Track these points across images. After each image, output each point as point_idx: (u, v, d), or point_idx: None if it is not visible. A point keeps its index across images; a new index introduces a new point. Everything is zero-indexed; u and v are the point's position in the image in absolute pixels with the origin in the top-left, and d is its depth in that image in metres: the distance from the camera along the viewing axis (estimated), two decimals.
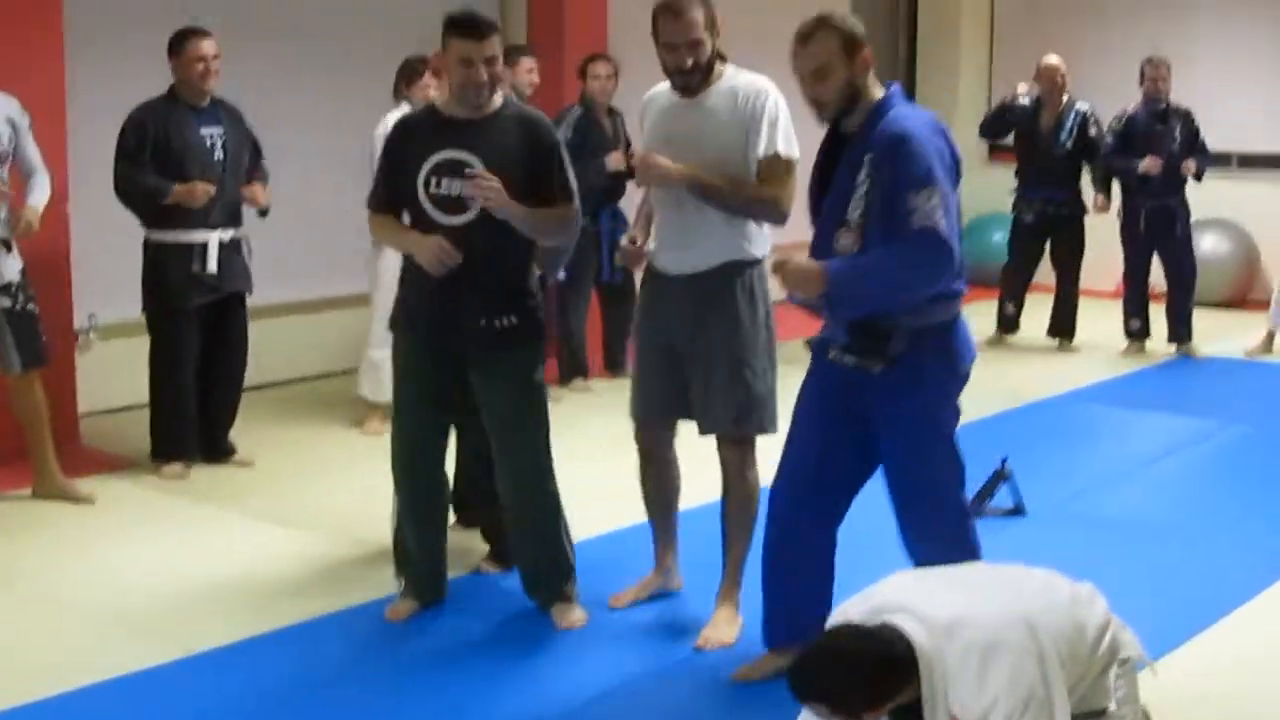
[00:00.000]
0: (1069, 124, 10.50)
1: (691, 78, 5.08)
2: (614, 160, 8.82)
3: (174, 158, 7.03)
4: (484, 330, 5.21)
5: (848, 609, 3.72)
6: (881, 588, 3.76)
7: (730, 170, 5.06)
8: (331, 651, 5.28)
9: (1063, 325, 10.91)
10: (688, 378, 5.25)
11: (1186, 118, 10.32)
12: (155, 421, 7.35)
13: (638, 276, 5.59)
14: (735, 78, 5.15)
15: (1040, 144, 10.59)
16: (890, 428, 4.56)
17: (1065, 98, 10.57)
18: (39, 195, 6.80)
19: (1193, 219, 10.48)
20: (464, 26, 5.09)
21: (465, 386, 5.36)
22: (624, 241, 5.32)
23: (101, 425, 7.94)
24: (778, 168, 5.05)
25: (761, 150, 5.04)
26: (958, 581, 3.82)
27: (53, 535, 6.44)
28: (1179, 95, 10.37)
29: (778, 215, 5.12)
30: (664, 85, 5.26)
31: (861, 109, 4.49)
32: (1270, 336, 10.62)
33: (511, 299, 5.25)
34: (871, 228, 4.40)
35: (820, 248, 4.55)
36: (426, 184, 5.16)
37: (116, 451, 7.59)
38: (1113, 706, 3.77)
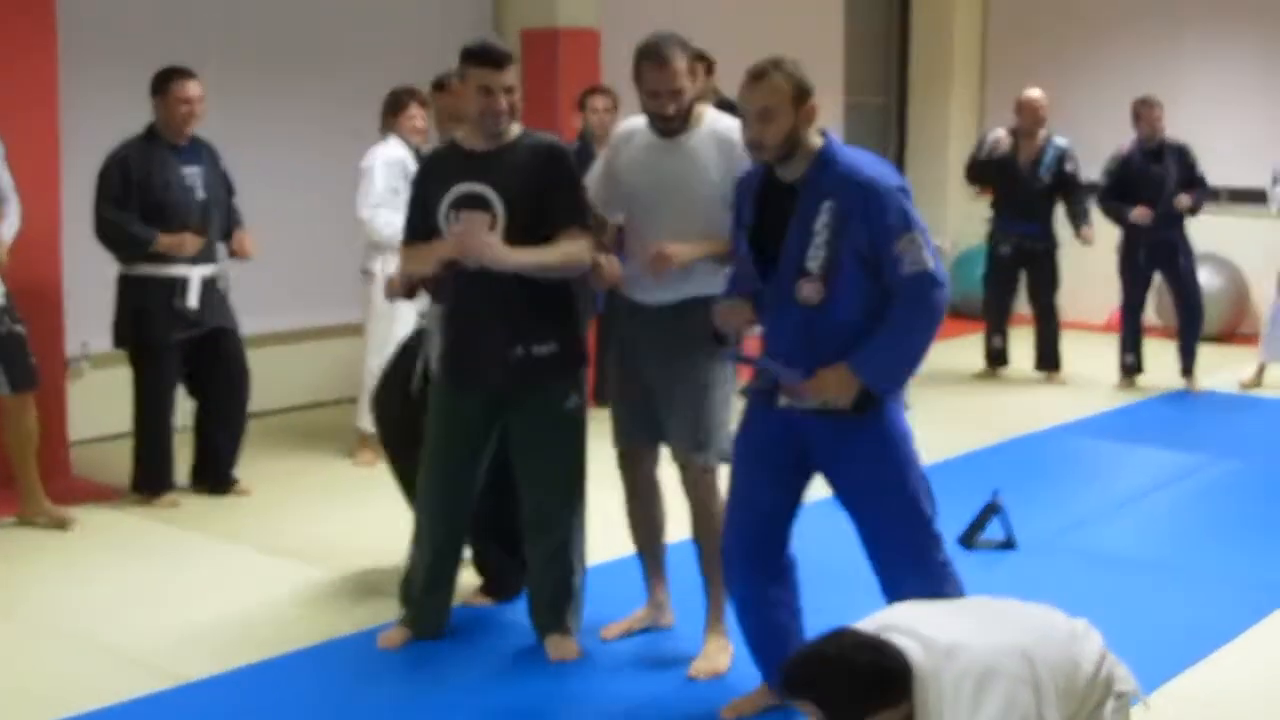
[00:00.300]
0: (1048, 159, 10.50)
1: (672, 123, 5.11)
2: None
3: (154, 197, 7.02)
4: (522, 360, 5.21)
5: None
6: (887, 613, 3.81)
7: (715, 210, 5.06)
8: (324, 681, 5.27)
9: (1047, 358, 10.92)
10: (656, 405, 5.29)
11: (1182, 154, 10.31)
12: (138, 456, 7.34)
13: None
14: (716, 121, 5.20)
15: (1019, 177, 10.57)
16: (864, 465, 4.55)
17: (1044, 132, 10.58)
18: (8, 227, 6.80)
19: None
20: (482, 55, 5.13)
21: (496, 425, 5.38)
22: (601, 259, 5.30)
23: (93, 454, 7.92)
24: None
25: None
26: (960, 611, 3.87)
27: (42, 563, 6.44)
28: (1169, 132, 10.38)
29: None
30: (639, 120, 5.28)
31: (801, 156, 4.49)
32: (1261, 370, 10.64)
33: (550, 325, 5.26)
34: (838, 278, 4.41)
35: (777, 298, 4.54)
36: (448, 218, 5.17)
37: (107, 480, 7.56)
38: None
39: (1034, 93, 10.62)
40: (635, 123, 5.32)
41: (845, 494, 4.62)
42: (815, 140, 4.52)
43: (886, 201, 4.40)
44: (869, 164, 4.51)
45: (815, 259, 4.41)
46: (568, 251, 5.16)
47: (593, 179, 5.43)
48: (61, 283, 7.53)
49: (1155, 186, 10.18)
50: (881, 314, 4.41)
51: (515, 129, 5.27)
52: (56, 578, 6.27)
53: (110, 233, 7.02)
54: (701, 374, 5.16)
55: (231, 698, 5.10)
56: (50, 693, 5.06)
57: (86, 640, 5.62)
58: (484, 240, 5.03)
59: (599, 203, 5.36)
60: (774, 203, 4.56)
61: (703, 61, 9.30)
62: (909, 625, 3.62)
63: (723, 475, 5.15)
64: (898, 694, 3.49)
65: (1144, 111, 10.30)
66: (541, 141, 5.33)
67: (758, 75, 4.47)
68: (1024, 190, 10.56)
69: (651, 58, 5.04)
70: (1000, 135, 10.66)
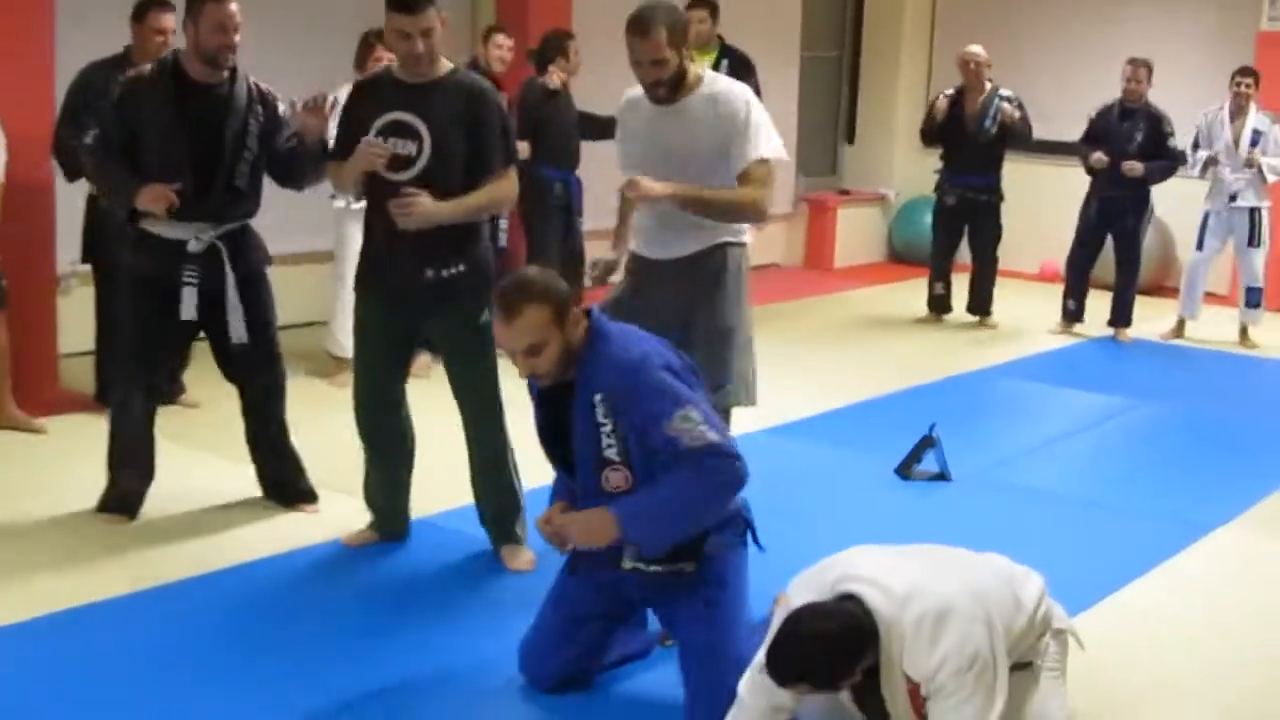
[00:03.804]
0: (992, 110, 10.40)
1: (659, 90, 5.08)
2: (552, 78, 8.83)
3: None
4: (433, 281, 5.28)
5: (808, 579, 3.80)
6: (842, 558, 3.84)
7: (715, 172, 5.10)
8: (289, 586, 5.30)
9: (980, 303, 10.91)
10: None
11: (1154, 120, 10.19)
12: (100, 365, 7.27)
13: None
14: (714, 84, 5.18)
15: (965, 130, 10.48)
16: (697, 618, 4.21)
17: (988, 86, 10.49)
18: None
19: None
20: (398, 2, 5.12)
21: (417, 337, 5.54)
22: (590, 264, 5.40)
23: (80, 366, 7.78)
24: (758, 171, 5.08)
25: (748, 156, 5.06)
26: (913, 556, 3.89)
27: (12, 468, 6.42)
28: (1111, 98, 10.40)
29: (756, 215, 5.21)
30: (640, 89, 5.25)
31: (573, 361, 4.13)
32: (1181, 323, 10.71)
33: (457, 250, 5.30)
34: (639, 463, 4.10)
35: (588, 491, 4.22)
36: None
37: (91, 390, 7.47)
38: (1039, 663, 3.90)
39: (974, 49, 10.53)
40: (638, 91, 5.25)
41: (683, 644, 4.29)
42: (578, 337, 4.12)
43: (648, 385, 4.02)
44: (631, 351, 4.10)
45: (611, 448, 4.11)
46: (494, 192, 5.28)
47: (617, 142, 5.47)
48: (54, 204, 7.45)
49: (1118, 143, 10.13)
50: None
51: (445, 65, 5.30)
52: (18, 482, 6.24)
53: (66, 159, 6.86)
54: (721, 323, 5.18)
55: (196, 601, 5.12)
56: (9, 594, 5.07)
57: (48, 542, 5.61)
58: (414, 203, 5.10)
59: (622, 165, 5.38)
60: (550, 399, 4.25)
61: (708, 6, 9.29)
62: (869, 574, 3.67)
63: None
64: (869, 644, 3.58)
65: (1128, 70, 10.25)
66: (473, 82, 5.37)
67: (510, 313, 4.03)
68: (970, 143, 10.48)
69: (633, 29, 4.99)
70: (940, 103, 10.57)
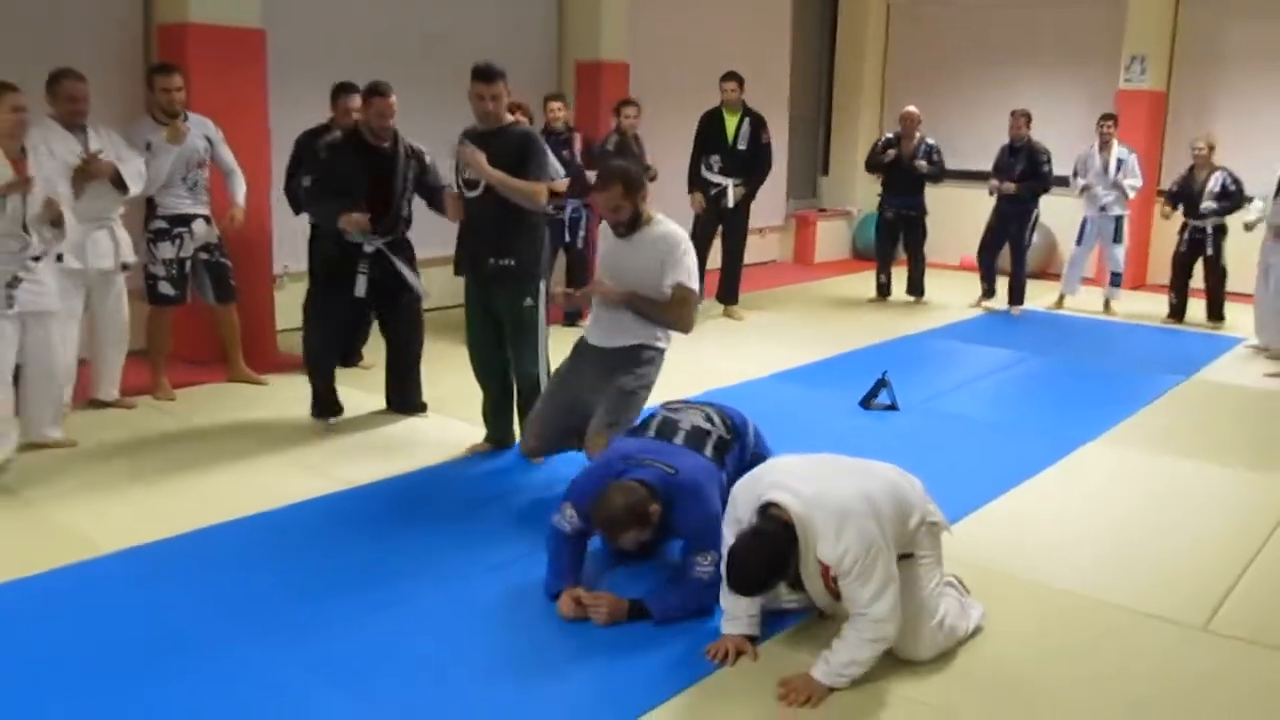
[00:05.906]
0: (920, 152, 10.30)
1: (619, 228, 4.84)
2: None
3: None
4: (490, 268, 5.38)
5: (746, 483, 3.74)
6: (769, 467, 3.79)
7: (651, 286, 4.84)
8: (434, 485, 5.33)
9: (915, 287, 10.73)
10: (589, 407, 4.97)
11: (1031, 153, 9.99)
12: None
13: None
14: (661, 225, 4.85)
15: (901, 167, 10.35)
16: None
17: (919, 134, 10.39)
18: (239, 192, 6.69)
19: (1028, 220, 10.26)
20: (476, 72, 5.29)
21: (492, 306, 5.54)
22: (558, 291, 5.28)
23: (290, 339, 7.79)
24: (680, 292, 4.80)
25: (674, 279, 4.78)
26: (820, 465, 3.78)
27: (247, 407, 6.46)
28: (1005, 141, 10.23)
29: (682, 328, 4.93)
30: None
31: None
32: (1061, 298, 10.60)
33: (509, 247, 5.37)
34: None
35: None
36: (458, 169, 5.45)
37: (299, 354, 7.47)
38: (918, 553, 3.74)
39: (910, 108, 10.43)
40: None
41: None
42: (658, 515, 3.97)
43: (704, 517, 3.95)
44: (681, 513, 3.99)
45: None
46: (524, 185, 5.31)
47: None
48: (271, 226, 7.49)
49: (1008, 172, 10.00)
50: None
51: (507, 118, 5.46)
52: (258, 415, 6.29)
53: (293, 198, 6.78)
54: (630, 383, 4.93)
55: (383, 495, 5.18)
56: (251, 493, 5.11)
57: (273, 454, 5.67)
58: (476, 156, 5.25)
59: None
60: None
61: (737, 80, 9.17)
62: (786, 482, 3.61)
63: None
64: (793, 546, 3.55)
65: (1011, 120, 10.14)
66: (522, 131, 5.56)
67: (620, 536, 3.98)
68: (904, 175, 10.35)
69: (598, 185, 4.81)
70: (888, 154, 10.39)
